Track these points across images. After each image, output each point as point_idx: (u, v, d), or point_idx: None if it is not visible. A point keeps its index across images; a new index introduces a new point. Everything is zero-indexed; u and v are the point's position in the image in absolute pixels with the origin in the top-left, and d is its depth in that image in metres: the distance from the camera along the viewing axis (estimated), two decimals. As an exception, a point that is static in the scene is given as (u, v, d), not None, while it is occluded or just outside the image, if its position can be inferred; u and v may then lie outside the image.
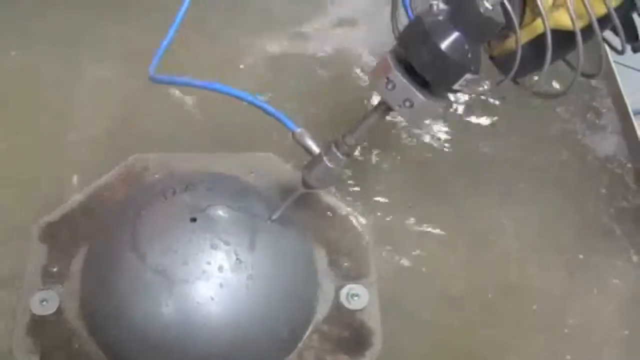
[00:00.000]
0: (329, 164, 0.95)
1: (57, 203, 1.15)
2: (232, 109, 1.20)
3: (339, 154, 0.94)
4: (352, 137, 0.94)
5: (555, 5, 0.86)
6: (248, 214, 1.01)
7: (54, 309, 1.03)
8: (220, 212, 0.99)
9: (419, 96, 0.87)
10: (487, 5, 0.82)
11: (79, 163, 1.22)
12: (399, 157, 1.24)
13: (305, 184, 0.98)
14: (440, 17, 0.83)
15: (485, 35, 0.85)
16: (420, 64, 0.84)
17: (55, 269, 1.07)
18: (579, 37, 0.85)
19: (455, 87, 0.86)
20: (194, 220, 0.98)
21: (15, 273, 1.08)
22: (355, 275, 1.08)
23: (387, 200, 1.19)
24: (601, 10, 0.86)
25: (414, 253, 1.13)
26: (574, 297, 1.11)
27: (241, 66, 1.37)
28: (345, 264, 1.09)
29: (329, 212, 1.14)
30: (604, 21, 0.86)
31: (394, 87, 0.87)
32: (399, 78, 0.86)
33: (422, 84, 0.86)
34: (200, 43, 1.37)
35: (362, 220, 1.14)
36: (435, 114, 0.88)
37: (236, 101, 1.02)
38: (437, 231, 1.16)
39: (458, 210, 1.19)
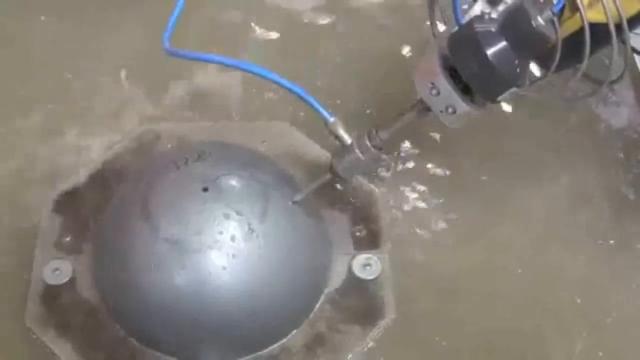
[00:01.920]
0: (360, 156, 0.95)
1: (69, 174, 1.15)
2: (245, 77, 1.19)
3: (370, 146, 0.95)
4: (387, 132, 0.94)
5: (591, 3, 0.86)
6: (260, 183, 1.00)
7: (67, 279, 1.03)
8: (232, 182, 0.99)
9: (463, 105, 0.87)
10: (540, 20, 0.82)
11: (91, 133, 1.21)
12: (420, 135, 1.23)
13: (332, 171, 0.99)
14: (492, 29, 0.83)
15: (536, 49, 0.84)
16: (469, 74, 0.84)
17: (68, 239, 1.07)
18: (613, 30, 0.84)
19: (499, 98, 0.87)
20: (206, 190, 0.97)
21: (28, 244, 1.08)
22: (368, 245, 1.08)
23: (405, 172, 1.18)
24: (635, 7, 0.85)
25: (431, 228, 1.12)
26: (612, 285, 1.09)
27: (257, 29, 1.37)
28: (359, 233, 1.08)
29: (343, 182, 1.14)
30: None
31: (438, 93, 0.87)
32: (445, 85, 0.86)
33: (464, 89, 0.86)
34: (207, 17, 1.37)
35: (377, 189, 1.13)
36: (475, 118, 0.89)
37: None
38: (453, 206, 1.15)
39: (479, 188, 1.17)
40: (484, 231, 1.12)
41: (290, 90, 0.95)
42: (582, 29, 0.85)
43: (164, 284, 0.95)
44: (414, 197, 1.15)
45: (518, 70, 0.84)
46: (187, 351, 0.98)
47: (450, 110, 0.88)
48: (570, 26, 0.88)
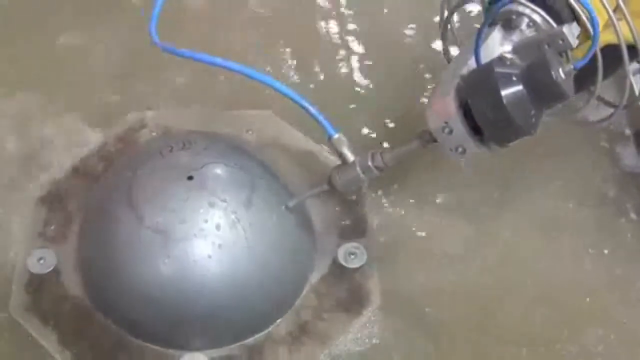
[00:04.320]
0: (361, 175, 0.96)
1: (55, 164, 1.15)
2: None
3: (372, 167, 0.95)
4: (390, 156, 0.94)
5: (606, 25, 0.86)
6: (246, 172, 1.00)
7: (51, 268, 1.03)
8: (217, 170, 0.99)
9: (474, 148, 0.87)
10: (561, 74, 0.81)
11: (79, 122, 1.21)
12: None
13: (330, 183, 0.98)
14: (514, 77, 0.82)
15: (553, 102, 0.84)
16: (484, 120, 0.84)
17: (52, 228, 1.07)
18: (625, 51, 0.85)
19: (510, 144, 0.86)
20: (191, 178, 0.97)
21: (13, 233, 1.08)
22: (354, 234, 1.08)
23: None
24: None
25: (419, 218, 1.12)
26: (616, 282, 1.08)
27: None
28: (344, 222, 1.09)
29: (328, 171, 1.13)
30: None
31: (451, 132, 0.87)
32: (460, 128, 0.86)
33: (476, 128, 0.86)
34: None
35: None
36: (482, 158, 0.89)
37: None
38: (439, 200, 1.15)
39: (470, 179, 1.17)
40: (474, 223, 1.12)
41: (297, 102, 0.95)
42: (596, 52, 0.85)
43: (149, 273, 0.95)
44: (400, 187, 1.15)
45: (533, 120, 0.83)
46: (172, 340, 0.98)
47: (460, 150, 0.88)
48: (584, 50, 0.88)
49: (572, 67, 0.84)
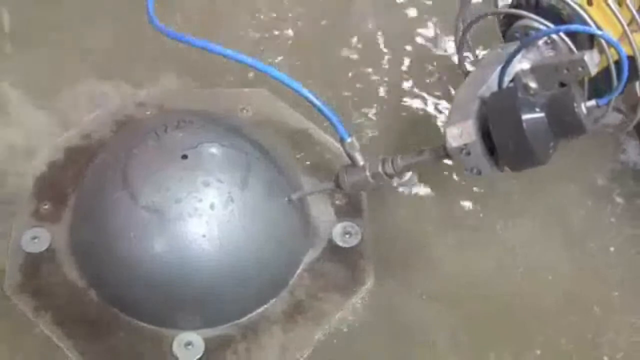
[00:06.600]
0: (370, 179, 0.95)
1: (49, 143, 1.15)
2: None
3: (382, 173, 0.94)
4: (403, 164, 0.94)
5: (620, 37, 0.87)
6: (241, 151, 1.00)
7: (45, 247, 1.03)
8: (212, 150, 0.98)
9: (489, 170, 0.87)
10: (583, 108, 0.82)
11: (73, 101, 1.21)
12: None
13: (337, 182, 0.98)
14: (537, 107, 0.83)
15: (573, 135, 0.84)
16: (505, 151, 0.84)
17: (46, 207, 1.07)
18: None
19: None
20: (185, 157, 0.97)
21: (7, 212, 1.08)
22: (349, 214, 1.08)
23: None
24: None
25: (414, 197, 1.12)
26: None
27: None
28: (339, 201, 1.09)
29: (324, 150, 1.14)
30: None
31: (468, 154, 0.87)
32: (479, 152, 0.86)
33: (491, 148, 0.86)
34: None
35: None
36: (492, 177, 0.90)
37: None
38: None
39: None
40: (479, 209, 1.12)
41: (311, 102, 0.94)
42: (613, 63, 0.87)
43: (143, 253, 0.95)
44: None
45: (551, 151, 0.84)
46: (166, 319, 0.97)
47: (475, 171, 0.88)
48: (600, 62, 0.89)
49: (594, 102, 0.85)
